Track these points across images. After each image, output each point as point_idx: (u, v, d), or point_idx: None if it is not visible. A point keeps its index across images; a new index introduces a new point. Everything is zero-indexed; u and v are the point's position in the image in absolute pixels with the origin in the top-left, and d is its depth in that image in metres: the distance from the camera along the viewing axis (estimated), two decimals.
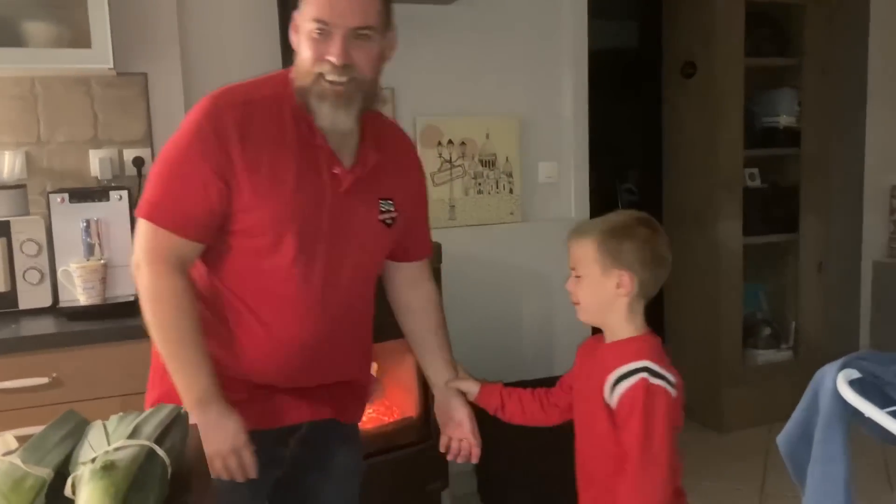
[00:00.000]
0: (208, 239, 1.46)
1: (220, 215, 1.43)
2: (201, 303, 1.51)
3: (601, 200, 3.41)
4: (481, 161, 3.07)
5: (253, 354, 1.51)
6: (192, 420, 1.38)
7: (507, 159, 3.11)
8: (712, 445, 3.53)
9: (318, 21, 1.36)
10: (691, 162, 3.73)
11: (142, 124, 2.56)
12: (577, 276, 1.58)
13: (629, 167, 4.34)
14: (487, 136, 3.07)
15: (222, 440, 1.41)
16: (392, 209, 1.56)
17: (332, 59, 1.37)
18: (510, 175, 3.12)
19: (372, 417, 2.63)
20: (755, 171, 3.77)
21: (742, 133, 3.59)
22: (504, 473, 2.88)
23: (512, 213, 3.14)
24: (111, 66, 2.22)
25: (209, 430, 1.35)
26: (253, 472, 1.44)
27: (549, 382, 3.04)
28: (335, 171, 1.46)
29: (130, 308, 2.07)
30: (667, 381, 1.48)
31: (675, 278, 3.88)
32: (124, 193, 2.22)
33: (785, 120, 3.77)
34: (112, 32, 2.22)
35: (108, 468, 0.93)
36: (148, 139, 2.57)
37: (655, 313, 4.01)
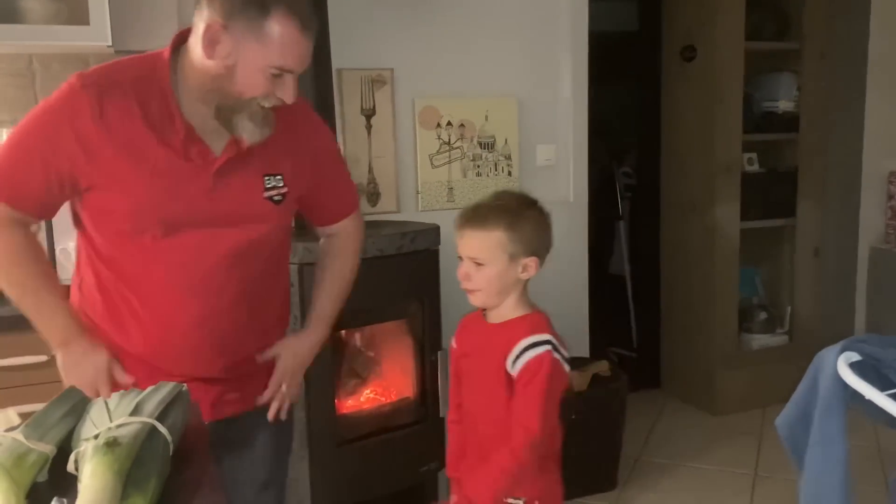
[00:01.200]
0: (46, 215, 1.49)
1: (60, 195, 1.44)
2: (92, 282, 1.53)
3: (598, 183, 3.42)
4: (480, 143, 3.07)
5: (141, 336, 1.50)
6: (58, 361, 1.46)
7: (505, 141, 3.10)
8: (707, 428, 3.55)
9: (282, 68, 1.37)
10: (690, 146, 3.72)
11: None
12: (479, 264, 1.59)
13: (627, 150, 4.34)
14: (486, 118, 3.06)
15: (89, 372, 1.45)
16: (281, 184, 1.52)
17: (287, 100, 1.41)
18: (509, 157, 3.12)
19: (369, 398, 2.64)
20: (753, 155, 3.77)
21: (741, 117, 3.58)
22: None
23: None
24: (109, 43, 2.20)
25: (74, 367, 1.45)
26: (124, 380, 1.45)
27: None
28: (205, 154, 1.44)
29: None
30: (563, 359, 1.61)
31: (671, 262, 3.92)
32: None
33: (784, 105, 3.76)
34: (110, 9, 2.20)
35: (111, 444, 0.94)
36: None
37: (651, 296, 4.04)
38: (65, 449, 1.05)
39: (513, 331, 1.60)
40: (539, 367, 1.55)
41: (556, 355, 1.59)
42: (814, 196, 3.81)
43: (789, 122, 3.76)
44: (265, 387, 1.63)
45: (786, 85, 3.75)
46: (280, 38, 1.33)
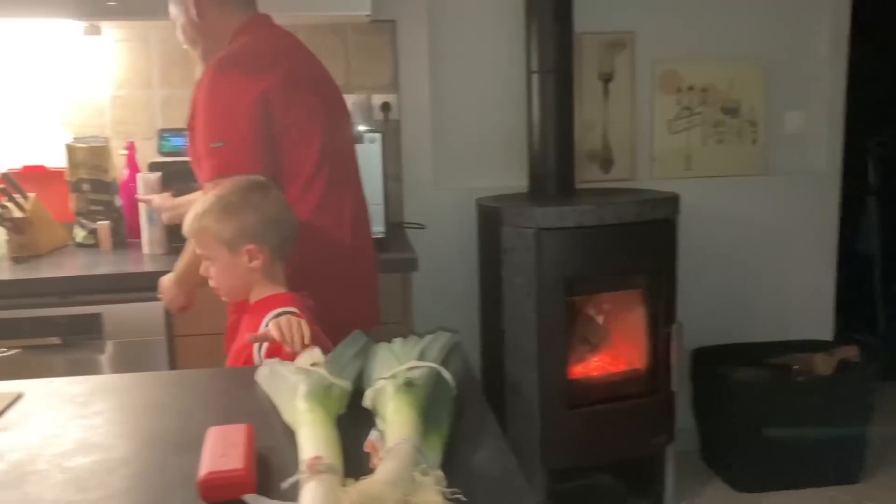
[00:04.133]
0: None
1: None
2: None
3: (847, 154, 3.12)
4: (723, 108, 2.92)
5: None
6: None
7: (751, 107, 2.92)
8: None
9: None
10: None
11: (389, 71, 2.67)
12: (211, 260, 1.53)
13: (882, 119, 3.92)
14: (731, 82, 2.90)
15: None
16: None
17: None
18: (754, 124, 2.94)
19: (599, 366, 2.62)
20: None
21: None
22: (728, 436, 2.78)
23: (754, 165, 2.96)
24: (369, 12, 2.32)
25: None
26: None
27: (781, 346, 2.91)
28: None
29: (381, 243, 2.18)
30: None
31: None
32: (377, 136, 2.32)
33: None
34: None
35: (409, 384, 1.00)
36: (394, 85, 2.68)
37: None
38: (358, 387, 1.14)
39: (263, 308, 1.52)
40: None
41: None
42: None
43: None
44: None
45: None
46: None
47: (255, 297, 1.56)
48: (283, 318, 1.40)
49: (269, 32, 1.78)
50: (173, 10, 1.76)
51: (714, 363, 2.82)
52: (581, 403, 2.48)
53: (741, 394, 2.70)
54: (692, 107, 2.90)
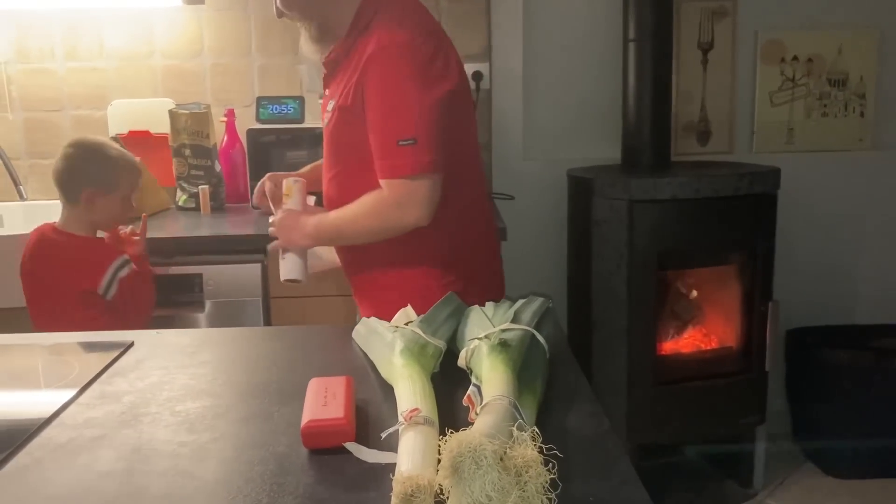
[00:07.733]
0: None
1: None
2: None
3: None
4: (829, 80, 2.79)
5: None
6: None
7: (861, 78, 2.78)
8: None
9: None
10: None
11: (482, 39, 2.66)
12: None
13: None
14: (839, 52, 2.76)
15: None
16: (330, 108, 1.59)
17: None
18: (862, 96, 2.80)
19: (689, 343, 2.57)
20: None
21: None
22: (823, 420, 2.69)
23: (861, 140, 2.83)
24: None
25: None
26: None
27: (887, 330, 2.78)
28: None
29: None
30: None
31: None
32: None
33: None
34: None
35: (503, 345, 1.00)
36: (486, 55, 2.67)
37: None
38: (449, 348, 1.15)
39: None
40: None
41: None
42: None
43: None
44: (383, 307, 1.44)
45: None
46: None
47: None
48: None
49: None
50: None
51: (812, 344, 2.73)
52: (670, 380, 2.44)
53: (839, 377, 2.60)
54: (796, 78, 2.78)
